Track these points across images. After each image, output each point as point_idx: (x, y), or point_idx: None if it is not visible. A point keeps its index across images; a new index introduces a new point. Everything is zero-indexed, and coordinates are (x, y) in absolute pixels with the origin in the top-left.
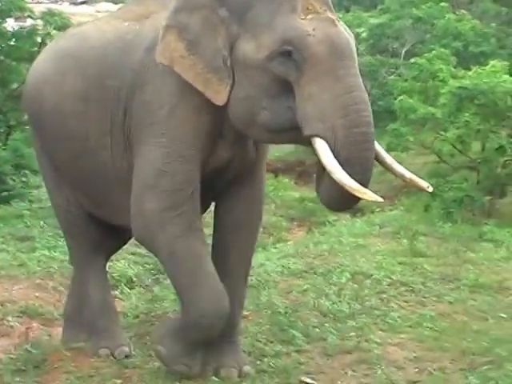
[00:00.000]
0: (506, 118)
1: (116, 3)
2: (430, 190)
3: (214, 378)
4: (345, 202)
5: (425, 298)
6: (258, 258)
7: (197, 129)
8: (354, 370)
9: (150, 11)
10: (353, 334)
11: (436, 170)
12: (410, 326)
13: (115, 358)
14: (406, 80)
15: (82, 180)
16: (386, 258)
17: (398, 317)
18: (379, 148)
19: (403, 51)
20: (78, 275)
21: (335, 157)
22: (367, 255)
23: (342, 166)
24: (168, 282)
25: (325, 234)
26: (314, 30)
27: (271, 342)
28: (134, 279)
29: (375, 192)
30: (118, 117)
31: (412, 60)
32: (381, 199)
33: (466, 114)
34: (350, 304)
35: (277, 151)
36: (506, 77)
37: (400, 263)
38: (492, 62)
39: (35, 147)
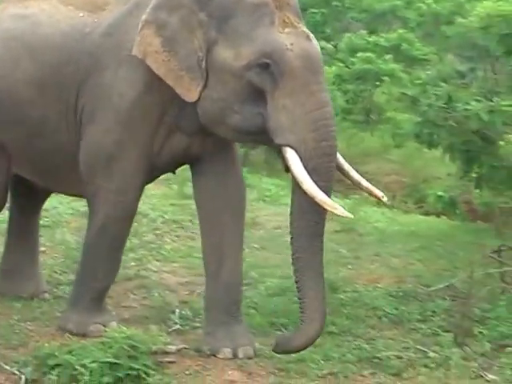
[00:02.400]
0: None
1: None
2: (385, 200)
3: (16, 303)
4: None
5: (193, 232)
6: (51, 202)
7: (155, 121)
8: (135, 294)
9: (104, 1)
10: (133, 264)
11: None
12: (182, 256)
13: None
14: None
15: (32, 158)
16: (159, 201)
17: (171, 249)
18: (339, 156)
19: None
20: None
21: (303, 166)
22: (144, 198)
23: (309, 174)
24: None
25: None
26: (291, 44)
27: (65, 273)
28: None
29: None
30: (72, 98)
31: None
32: (351, 215)
33: None
34: (131, 239)
35: None
36: None
37: (171, 204)
38: None
39: None
